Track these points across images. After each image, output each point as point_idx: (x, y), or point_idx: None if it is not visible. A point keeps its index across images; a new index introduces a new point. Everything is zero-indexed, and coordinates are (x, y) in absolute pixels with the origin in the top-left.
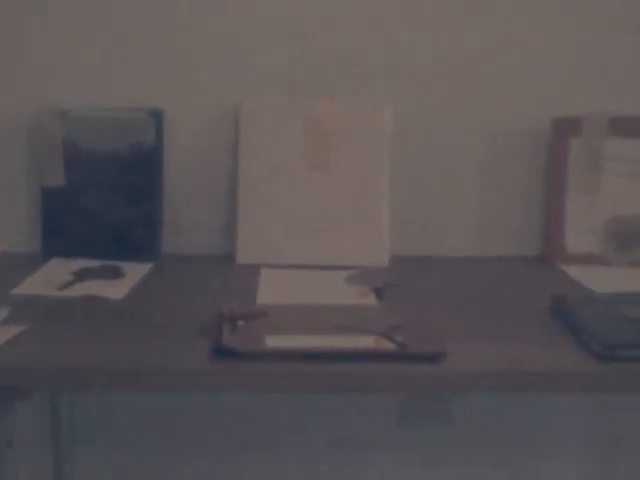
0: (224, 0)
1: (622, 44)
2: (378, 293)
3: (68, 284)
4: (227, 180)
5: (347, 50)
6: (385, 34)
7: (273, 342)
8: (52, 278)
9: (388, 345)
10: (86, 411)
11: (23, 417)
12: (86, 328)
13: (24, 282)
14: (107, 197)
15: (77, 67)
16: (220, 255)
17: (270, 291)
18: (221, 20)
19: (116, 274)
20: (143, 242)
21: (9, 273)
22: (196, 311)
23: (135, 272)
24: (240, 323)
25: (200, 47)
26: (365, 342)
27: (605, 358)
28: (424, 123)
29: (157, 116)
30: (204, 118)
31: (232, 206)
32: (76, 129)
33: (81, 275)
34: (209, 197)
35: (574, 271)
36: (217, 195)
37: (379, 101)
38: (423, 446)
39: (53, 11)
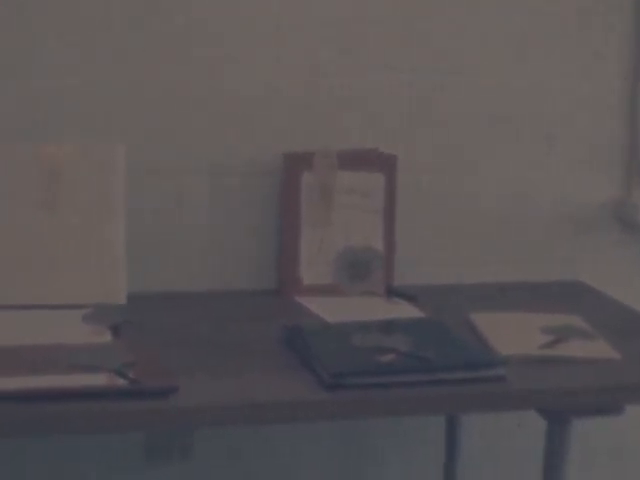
0: None
1: (340, 82)
2: (114, 330)
3: None
4: None
5: (75, 92)
6: (109, 74)
7: None
8: None
9: (120, 382)
10: None
11: None
12: None
13: None
14: None
15: None
16: None
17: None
18: None
19: None
20: None
21: None
22: None
23: None
24: None
25: None
26: (97, 380)
27: (333, 386)
28: (155, 164)
29: None
30: None
31: None
32: None
33: None
34: None
35: (309, 303)
36: None
37: (111, 141)
38: None
39: None
